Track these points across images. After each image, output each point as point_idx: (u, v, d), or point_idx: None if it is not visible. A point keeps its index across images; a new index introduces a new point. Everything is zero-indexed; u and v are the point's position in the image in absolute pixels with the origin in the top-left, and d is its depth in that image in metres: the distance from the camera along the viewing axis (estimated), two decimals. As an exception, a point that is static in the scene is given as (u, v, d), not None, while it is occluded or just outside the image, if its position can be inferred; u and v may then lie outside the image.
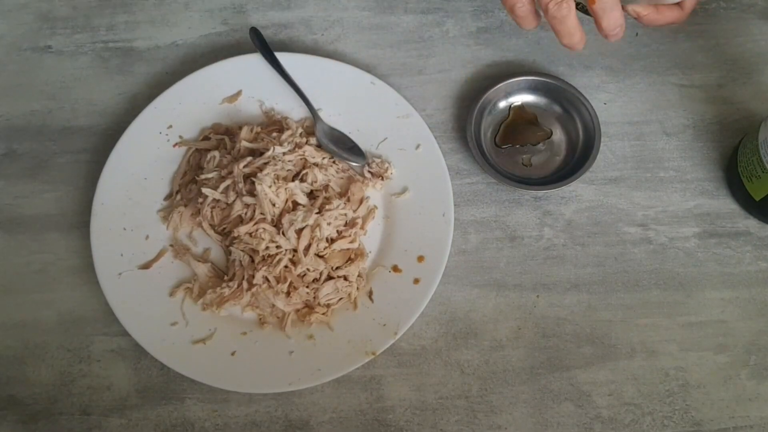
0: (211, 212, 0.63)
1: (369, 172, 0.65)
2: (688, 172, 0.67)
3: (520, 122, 0.69)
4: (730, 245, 0.64)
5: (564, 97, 0.69)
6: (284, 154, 0.63)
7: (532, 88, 0.69)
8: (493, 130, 0.69)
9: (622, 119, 0.70)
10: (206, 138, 0.68)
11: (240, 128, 0.66)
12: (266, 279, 0.60)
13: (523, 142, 0.69)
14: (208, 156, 0.65)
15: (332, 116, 0.68)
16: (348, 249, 0.63)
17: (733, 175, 0.65)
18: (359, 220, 0.64)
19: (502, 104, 0.70)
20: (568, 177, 0.65)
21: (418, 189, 0.65)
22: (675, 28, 0.74)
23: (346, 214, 0.63)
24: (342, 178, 0.66)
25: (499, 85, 0.68)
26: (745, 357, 0.61)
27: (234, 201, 0.62)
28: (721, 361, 0.60)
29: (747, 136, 0.63)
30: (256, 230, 0.61)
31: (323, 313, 0.60)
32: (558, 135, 0.69)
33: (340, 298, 0.61)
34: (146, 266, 0.63)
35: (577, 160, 0.67)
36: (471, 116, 0.67)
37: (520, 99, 0.70)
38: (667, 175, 0.67)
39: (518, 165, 0.68)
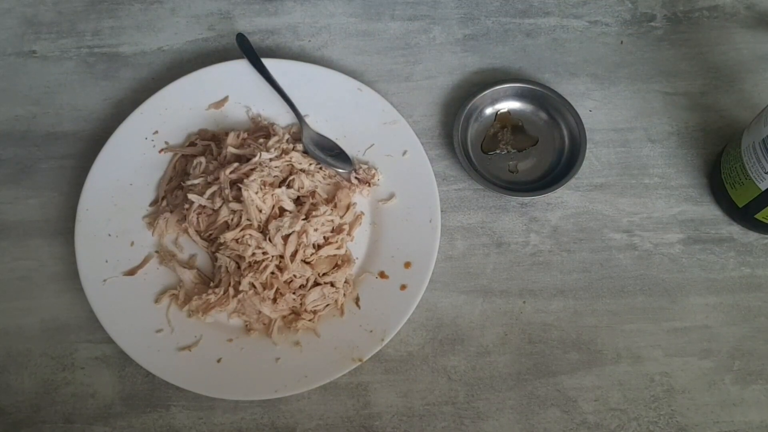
0: (197, 218, 0.63)
1: (356, 178, 0.65)
2: (672, 179, 0.68)
3: (507, 129, 0.70)
4: (714, 251, 0.65)
5: (550, 104, 0.69)
6: (271, 160, 0.63)
7: (519, 95, 0.70)
8: (479, 136, 0.70)
9: (607, 126, 0.70)
10: (192, 144, 0.67)
11: (226, 134, 0.66)
12: (252, 285, 0.60)
13: (509, 149, 0.69)
14: (195, 162, 0.65)
15: (319, 122, 0.68)
16: (335, 255, 0.62)
17: (717, 182, 0.65)
18: (346, 227, 0.63)
19: (489, 111, 0.70)
20: (554, 183, 0.65)
21: (405, 195, 0.65)
22: (659, 35, 0.74)
23: (332, 221, 0.63)
24: (329, 185, 0.66)
25: (485, 92, 0.69)
26: (729, 362, 0.61)
27: (220, 207, 0.62)
28: (705, 367, 0.61)
29: (730, 144, 0.64)
30: (243, 236, 0.60)
31: (310, 320, 0.60)
32: (544, 142, 0.69)
33: (327, 305, 0.61)
34: (131, 273, 0.62)
35: (563, 166, 0.67)
36: (458, 123, 0.67)
37: (506, 106, 0.70)
38: (651, 182, 0.68)
39: (505, 171, 0.68)
